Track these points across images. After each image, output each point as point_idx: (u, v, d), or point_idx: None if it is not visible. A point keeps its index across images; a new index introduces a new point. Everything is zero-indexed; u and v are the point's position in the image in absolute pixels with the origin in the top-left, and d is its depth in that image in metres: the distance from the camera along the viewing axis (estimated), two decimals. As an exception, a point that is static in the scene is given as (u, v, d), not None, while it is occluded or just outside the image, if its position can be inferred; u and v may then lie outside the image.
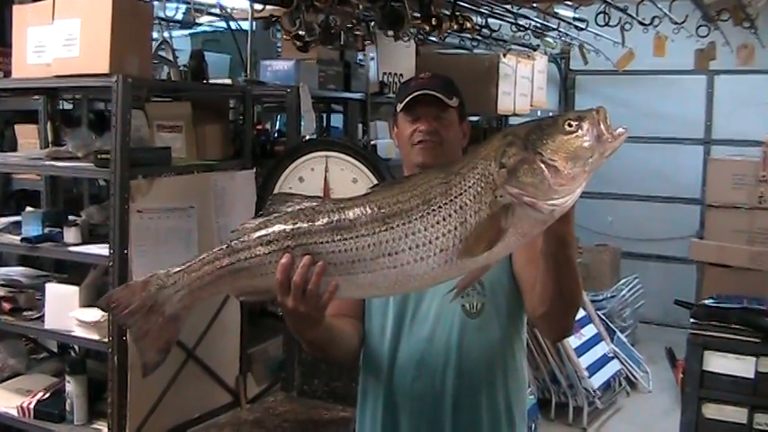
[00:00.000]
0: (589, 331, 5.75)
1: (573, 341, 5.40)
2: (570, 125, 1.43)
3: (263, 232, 1.56)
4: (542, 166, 1.41)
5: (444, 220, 1.45)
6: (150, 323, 1.60)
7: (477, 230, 1.44)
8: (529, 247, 1.76)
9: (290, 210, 1.57)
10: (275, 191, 3.25)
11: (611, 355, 5.80)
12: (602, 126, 1.42)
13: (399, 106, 1.99)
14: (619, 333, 6.24)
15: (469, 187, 1.45)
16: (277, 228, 1.55)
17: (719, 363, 4.03)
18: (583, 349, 5.50)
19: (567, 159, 1.41)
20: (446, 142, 1.94)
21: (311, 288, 1.52)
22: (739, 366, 3.98)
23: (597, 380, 5.45)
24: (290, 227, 1.54)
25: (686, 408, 4.18)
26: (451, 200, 1.46)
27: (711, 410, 4.08)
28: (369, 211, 1.50)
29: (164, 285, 1.59)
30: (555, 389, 5.43)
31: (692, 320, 4.21)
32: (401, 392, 1.97)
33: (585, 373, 5.36)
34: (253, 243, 1.55)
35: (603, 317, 6.18)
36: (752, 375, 3.99)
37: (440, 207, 1.46)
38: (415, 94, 1.94)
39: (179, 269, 1.60)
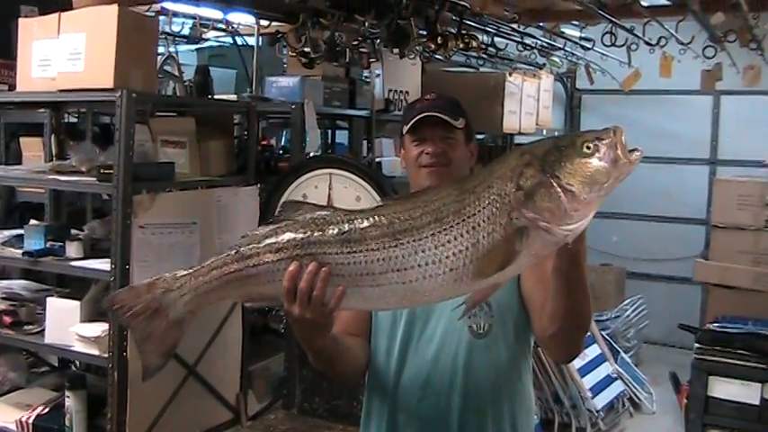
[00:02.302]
0: (593, 351, 5.70)
1: (576, 361, 5.36)
2: (588, 147, 1.41)
3: (272, 240, 1.55)
4: (559, 190, 1.39)
5: (456, 239, 1.44)
6: (153, 326, 1.59)
7: (490, 252, 1.42)
8: (538, 268, 1.75)
9: (300, 218, 1.56)
10: (278, 208, 3.24)
11: (614, 375, 5.76)
12: (618, 150, 1.41)
13: (405, 128, 1.97)
14: (623, 353, 6.19)
15: (484, 208, 1.44)
16: (287, 236, 1.54)
17: (724, 388, 3.98)
18: (586, 369, 5.45)
19: (583, 184, 1.39)
20: (454, 164, 1.92)
21: (317, 294, 1.51)
22: (744, 392, 3.94)
23: (600, 400, 5.40)
24: (300, 236, 1.53)
25: (690, 434, 4.14)
26: (464, 219, 1.44)
27: (716, 437, 4.04)
28: (379, 226, 1.49)
29: (169, 288, 1.58)
30: (558, 409, 5.38)
31: (696, 345, 4.17)
32: (406, 413, 1.94)
33: (589, 394, 5.31)
34: (262, 250, 1.55)
35: (607, 337, 6.14)
36: (757, 402, 3.94)
37: (452, 227, 1.44)
38: (420, 116, 1.92)
39: (186, 273, 1.59)
